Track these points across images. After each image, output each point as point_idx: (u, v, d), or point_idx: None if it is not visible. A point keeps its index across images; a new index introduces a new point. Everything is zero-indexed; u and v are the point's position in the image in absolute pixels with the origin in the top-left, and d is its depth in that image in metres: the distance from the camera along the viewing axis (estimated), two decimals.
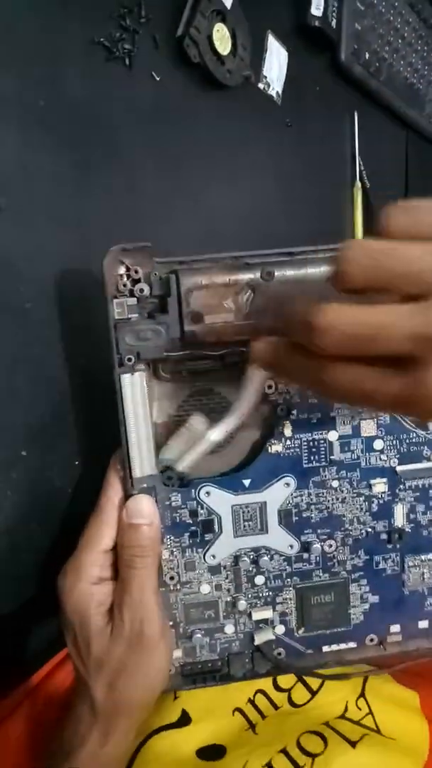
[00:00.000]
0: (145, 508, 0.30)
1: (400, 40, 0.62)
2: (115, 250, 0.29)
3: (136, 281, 0.29)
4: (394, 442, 0.33)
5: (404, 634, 0.36)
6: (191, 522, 0.32)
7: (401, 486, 0.34)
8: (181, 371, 0.31)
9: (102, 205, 0.36)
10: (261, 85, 0.48)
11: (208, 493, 0.32)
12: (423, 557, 0.35)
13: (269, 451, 0.32)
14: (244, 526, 0.33)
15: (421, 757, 0.34)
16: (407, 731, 0.35)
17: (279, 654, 0.34)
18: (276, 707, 0.37)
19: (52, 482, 0.35)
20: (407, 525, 0.34)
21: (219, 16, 0.41)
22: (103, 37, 0.35)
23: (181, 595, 0.33)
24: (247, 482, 0.32)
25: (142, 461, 0.30)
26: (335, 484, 0.33)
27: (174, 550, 0.32)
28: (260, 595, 0.34)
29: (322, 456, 0.33)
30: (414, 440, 0.34)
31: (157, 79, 0.39)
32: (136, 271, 0.29)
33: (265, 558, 0.33)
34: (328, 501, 0.33)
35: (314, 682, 0.38)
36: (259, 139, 0.48)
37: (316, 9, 0.51)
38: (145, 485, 0.31)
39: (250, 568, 0.33)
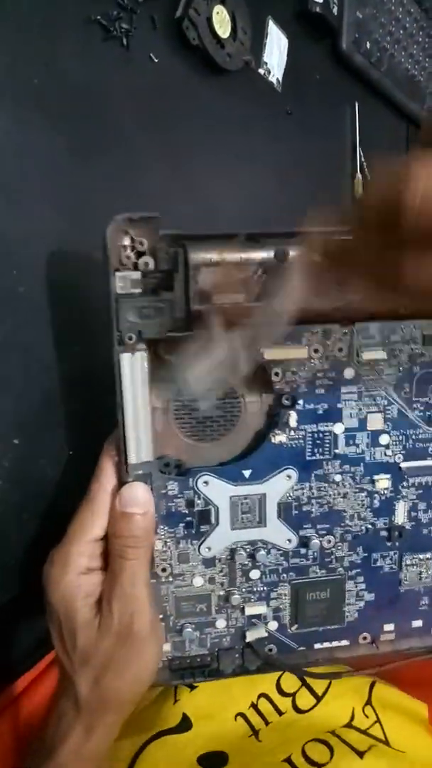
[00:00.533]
0: (140, 497, 0.29)
1: (401, 31, 0.61)
2: (119, 219, 0.26)
3: (140, 254, 0.27)
4: (401, 437, 0.32)
5: (398, 633, 0.35)
6: (187, 512, 0.31)
7: (404, 483, 0.33)
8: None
9: (98, 188, 0.35)
10: (261, 71, 0.46)
11: (206, 482, 0.30)
12: (421, 556, 0.34)
13: (272, 441, 0.31)
14: (242, 519, 0.31)
15: None
16: (417, 745, 0.34)
17: (270, 650, 0.33)
18: (280, 713, 0.36)
19: (45, 471, 0.34)
20: (408, 523, 0.34)
21: None
22: (100, 15, 0.34)
23: (173, 588, 0.32)
24: (247, 473, 0.31)
25: (139, 447, 0.29)
26: (338, 478, 0.32)
27: (168, 541, 0.31)
28: (255, 589, 0.33)
29: (327, 449, 0.31)
30: (421, 437, 0.32)
31: (156, 60, 0.37)
32: (141, 243, 0.27)
33: (262, 552, 0.32)
34: (330, 495, 0.32)
35: (319, 687, 0.37)
36: (259, 126, 0.47)
37: None
38: (140, 472, 0.29)
39: (246, 562, 0.32)
